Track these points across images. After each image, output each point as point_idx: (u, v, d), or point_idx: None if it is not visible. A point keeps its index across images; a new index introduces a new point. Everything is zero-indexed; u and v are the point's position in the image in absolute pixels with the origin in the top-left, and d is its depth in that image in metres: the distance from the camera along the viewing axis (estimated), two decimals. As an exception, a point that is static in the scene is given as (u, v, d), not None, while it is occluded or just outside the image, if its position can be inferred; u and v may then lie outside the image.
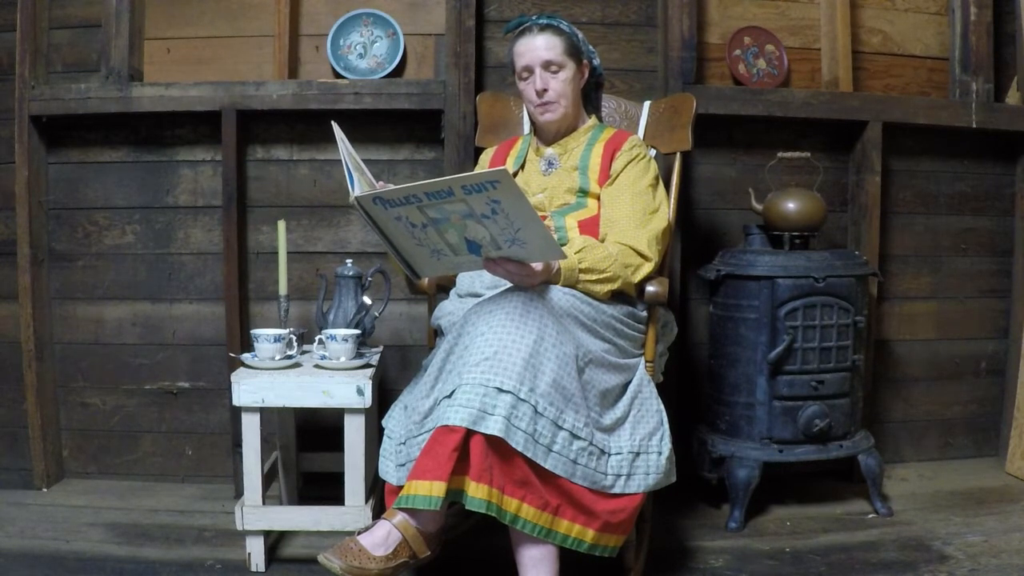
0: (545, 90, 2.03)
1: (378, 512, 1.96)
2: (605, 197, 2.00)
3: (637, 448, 1.76)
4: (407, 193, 1.57)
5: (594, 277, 1.82)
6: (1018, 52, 2.76)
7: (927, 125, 2.67)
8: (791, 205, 2.39)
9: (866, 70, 2.74)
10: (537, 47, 2.02)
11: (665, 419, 1.84)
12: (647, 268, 1.92)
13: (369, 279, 2.27)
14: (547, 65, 2.03)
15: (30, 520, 2.30)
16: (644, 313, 1.96)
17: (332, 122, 1.78)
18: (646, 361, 1.93)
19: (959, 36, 2.74)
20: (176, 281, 2.62)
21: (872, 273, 2.47)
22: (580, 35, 2.11)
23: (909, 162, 2.76)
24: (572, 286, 1.80)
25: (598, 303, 1.84)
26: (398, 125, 2.59)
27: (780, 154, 2.49)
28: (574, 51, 2.06)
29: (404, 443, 1.77)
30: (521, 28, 2.07)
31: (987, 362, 2.86)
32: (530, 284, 1.74)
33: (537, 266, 1.72)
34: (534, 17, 2.08)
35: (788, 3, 2.72)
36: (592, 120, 2.16)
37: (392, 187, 1.60)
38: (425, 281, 2.02)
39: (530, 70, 2.04)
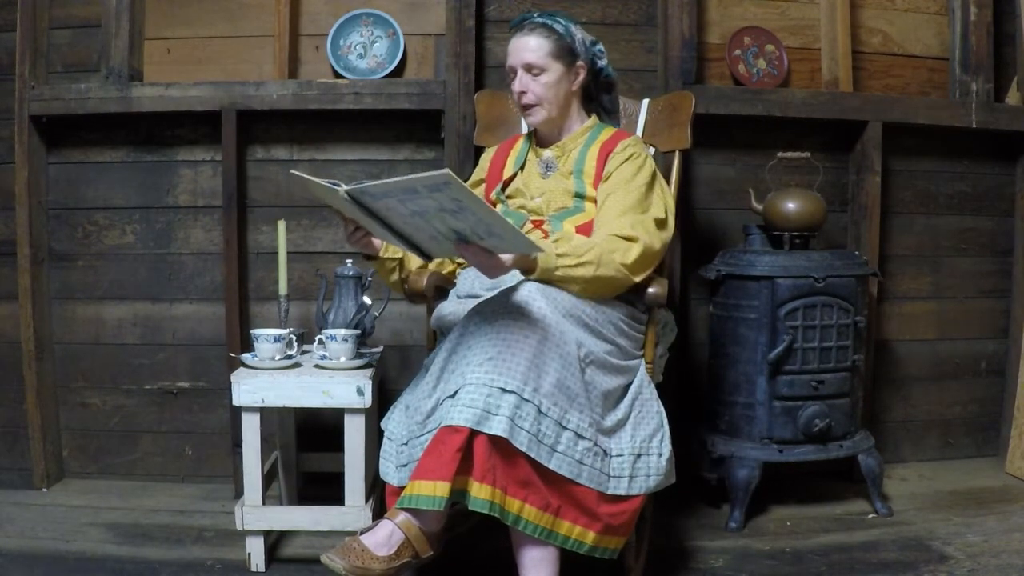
0: (524, 92, 2.00)
1: (378, 513, 1.96)
2: (598, 198, 1.97)
3: (638, 450, 1.75)
4: (385, 189, 1.53)
5: (573, 261, 1.75)
6: (1018, 52, 2.75)
7: (927, 125, 2.67)
8: (791, 205, 2.39)
9: (866, 70, 2.74)
10: (520, 48, 1.99)
11: (665, 420, 1.84)
12: (636, 248, 1.82)
13: (369, 279, 2.27)
14: (528, 68, 1.99)
15: (30, 520, 2.30)
16: (644, 315, 1.95)
17: (291, 172, 1.72)
18: (646, 363, 1.92)
19: (959, 36, 2.74)
20: (176, 281, 2.62)
21: (872, 273, 2.47)
22: (579, 36, 2.05)
23: (909, 162, 2.76)
24: (552, 272, 1.73)
25: (599, 304, 1.82)
26: (398, 125, 2.58)
27: (780, 154, 2.49)
28: (564, 52, 2.00)
29: (406, 443, 1.76)
30: (519, 25, 2.04)
31: (987, 362, 2.86)
32: (499, 274, 1.69)
33: (507, 257, 1.66)
34: (535, 14, 2.04)
35: (788, 3, 2.72)
36: (592, 120, 2.11)
37: (371, 182, 1.56)
38: (423, 283, 1.96)
39: (514, 71, 2.02)
